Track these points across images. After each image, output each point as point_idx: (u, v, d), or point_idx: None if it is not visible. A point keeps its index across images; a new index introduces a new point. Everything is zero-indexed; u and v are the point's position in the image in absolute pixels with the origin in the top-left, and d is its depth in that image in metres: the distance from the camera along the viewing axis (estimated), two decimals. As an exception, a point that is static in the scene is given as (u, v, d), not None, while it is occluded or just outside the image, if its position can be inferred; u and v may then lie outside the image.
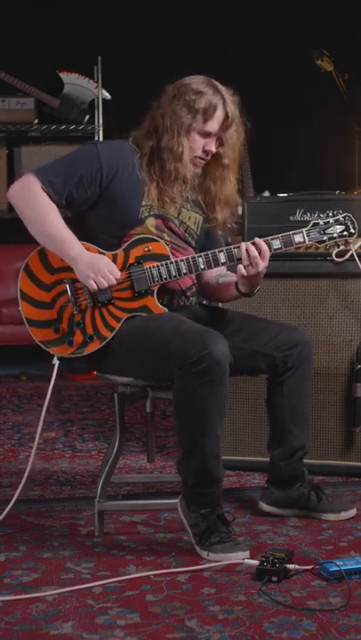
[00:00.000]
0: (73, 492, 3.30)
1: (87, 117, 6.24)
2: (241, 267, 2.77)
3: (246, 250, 2.75)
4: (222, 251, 2.79)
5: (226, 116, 2.80)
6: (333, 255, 3.38)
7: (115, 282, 2.72)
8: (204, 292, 3.04)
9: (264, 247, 2.76)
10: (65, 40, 6.50)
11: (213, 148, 2.84)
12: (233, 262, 2.80)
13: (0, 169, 6.19)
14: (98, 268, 2.70)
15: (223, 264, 2.81)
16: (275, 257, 3.48)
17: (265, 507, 3.00)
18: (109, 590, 2.41)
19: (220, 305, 3.22)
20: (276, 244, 2.80)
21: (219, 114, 2.79)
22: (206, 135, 2.81)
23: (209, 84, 2.81)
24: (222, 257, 2.79)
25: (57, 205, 2.75)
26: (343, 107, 5.83)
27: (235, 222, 3.02)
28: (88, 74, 6.18)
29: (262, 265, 2.76)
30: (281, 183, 5.26)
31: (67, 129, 6.24)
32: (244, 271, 2.76)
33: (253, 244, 2.76)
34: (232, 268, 2.90)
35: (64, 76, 6.27)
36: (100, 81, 6.09)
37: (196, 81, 2.81)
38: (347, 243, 2.89)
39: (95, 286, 2.71)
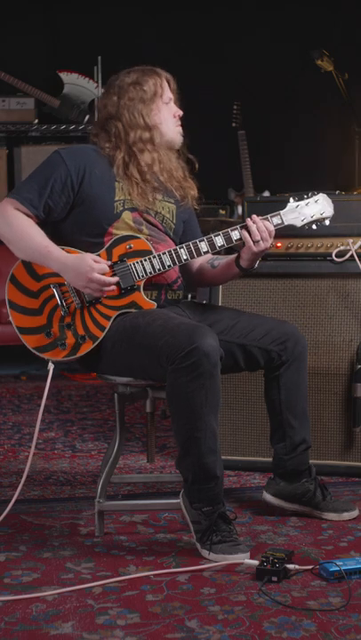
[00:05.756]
0: (73, 492, 3.30)
1: (87, 117, 6.24)
2: (251, 244, 2.80)
3: (257, 227, 2.81)
4: (203, 240, 2.83)
5: (168, 83, 2.94)
6: (333, 255, 3.39)
7: (112, 287, 2.74)
8: (199, 282, 3.08)
9: (270, 226, 2.84)
10: (65, 40, 6.50)
11: (181, 112, 2.95)
12: (215, 250, 2.84)
13: (0, 169, 6.19)
14: (86, 278, 2.71)
15: (205, 253, 2.84)
16: (275, 257, 3.50)
17: (268, 497, 2.98)
18: (109, 590, 2.41)
19: (219, 304, 3.22)
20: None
21: (165, 84, 2.92)
22: (169, 101, 2.92)
23: (135, 71, 2.92)
24: (204, 246, 2.82)
25: (37, 219, 2.81)
26: (343, 107, 5.84)
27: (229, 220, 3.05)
28: (88, 74, 6.18)
29: (271, 240, 2.83)
30: (281, 183, 5.27)
31: (67, 129, 6.24)
32: (254, 248, 2.81)
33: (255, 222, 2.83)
34: (230, 251, 2.92)
35: (64, 76, 6.27)
36: (100, 81, 6.09)
37: (123, 76, 2.91)
38: (323, 220, 2.90)
39: (94, 295, 2.75)
